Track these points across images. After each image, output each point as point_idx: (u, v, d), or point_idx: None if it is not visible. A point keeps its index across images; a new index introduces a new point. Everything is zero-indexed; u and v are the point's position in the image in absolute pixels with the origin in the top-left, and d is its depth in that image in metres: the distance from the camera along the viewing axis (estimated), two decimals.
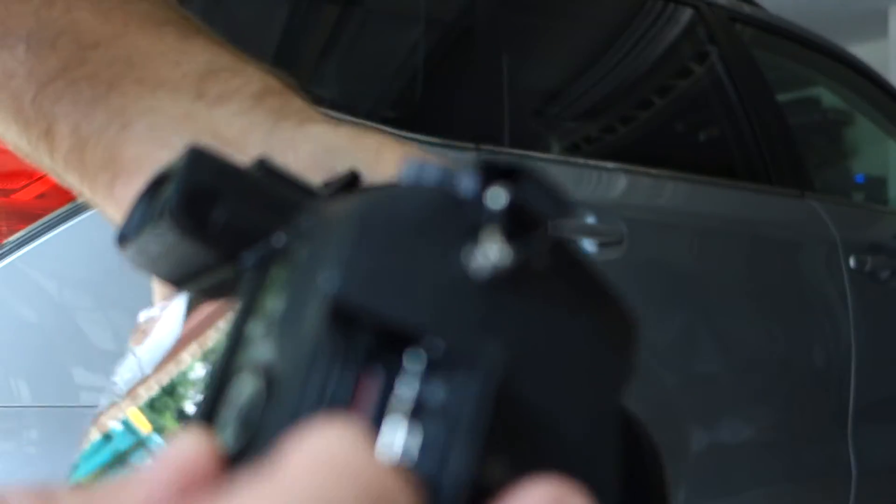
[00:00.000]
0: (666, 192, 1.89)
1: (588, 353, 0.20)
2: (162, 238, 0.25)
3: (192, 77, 0.35)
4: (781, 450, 1.97)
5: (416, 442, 0.16)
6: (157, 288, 0.34)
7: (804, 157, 2.33)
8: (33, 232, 1.21)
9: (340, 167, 0.31)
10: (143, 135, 0.33)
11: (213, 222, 0.24)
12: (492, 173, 0.18)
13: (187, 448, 0.17)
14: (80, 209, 1.21)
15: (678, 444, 1.77)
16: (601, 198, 1.73)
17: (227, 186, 0.24)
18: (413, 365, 0.17)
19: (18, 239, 1.20)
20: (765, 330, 1.96)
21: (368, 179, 0.30)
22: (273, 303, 0.20)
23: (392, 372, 0.17)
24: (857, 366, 2.10)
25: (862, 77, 2.69)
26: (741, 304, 1.93)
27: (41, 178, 1.22)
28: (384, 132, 0.34)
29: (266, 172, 0.26)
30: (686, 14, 2.15)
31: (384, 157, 0.32)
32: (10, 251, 1.20)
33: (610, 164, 1.82)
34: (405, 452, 0.16)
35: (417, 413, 0.16)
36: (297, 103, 0.35)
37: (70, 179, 0.36)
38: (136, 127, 0.33)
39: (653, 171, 1.86)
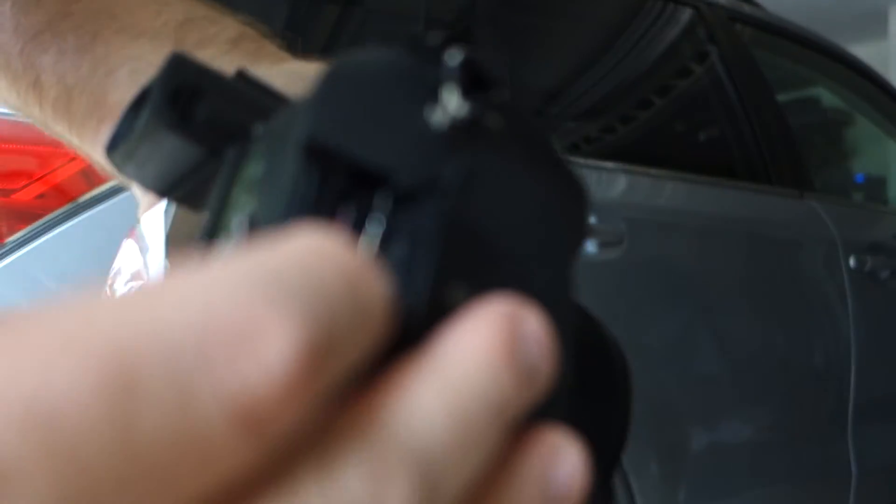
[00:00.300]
0: (665, 192, 1.89)
1: (542, 205, 0.22)
2: (147, 138, 0.26)
3: (171, 25, 0.36)
4: (781, 450, 1.97)
5: (384, 268, 0.17)
6: (142, 203, 0.35)
7: (804, 157, 2.33)
8: (33, 232, 1.21)
9: None
10: (127, 80, 0.35)
11: (196, 117, 0.25)
12: (447, 41, 0.20)
13: None
14: (80, 209, 1.22)
15: (678, 443, 1.77)
16: (601, 198, 1.73)
17: (207, 84, 0.26)
18: (381, 202, 0.18)
19: (18, 239, 1.20)
20: (764, 330, 1.96)
21: None
22: (253, 170, 0.21)
23: (362, 209, 0.18)
24: (856, 366, 2.10)
25: (862, 77, 2.70)
26: (741, 303, 1.93)
27: (41, 178, 1.22)
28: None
29: (245, 81, 0.28)
30: (686, 14, 2.15)
31: None
32: (11, 251, 1.20)
33: (609, 164, 1.82)
34: None
35: (385, 244, 0.18)
36: (272, 48, 0.37)
37: (58, 129, 0.38)
38: (119, 73, 0.35)
39: (652, 171, 1.86)
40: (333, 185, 0.18)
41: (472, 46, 0.20)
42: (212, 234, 0.21)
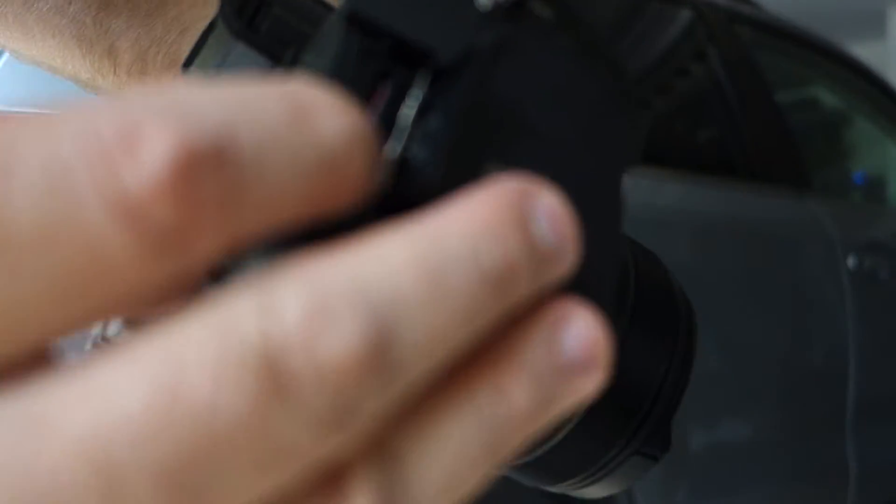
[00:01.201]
0: (664, 191, 1.89)
1: (590, 101, 0.21)
2: (217, 48, 0.27)
3: None
4: (780, 449, 1.97)
5: (417, 138, 0.17)
6: None
7: (802, 157, 2.33)
8: None
9: None
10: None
11: (261, 28, 0.26)
12: None
13: None
14: None
15: (678, 443, 1.77)
16: None
17: None
18: (421, 78, 0.18)
19: None
20: (763, 329, 1.96)
21: None
22: (303, 61, 0.22)
23: (402, 85, 0.18)
24: (855, 365, 2.10)
25: (860, 77, 2.70)
26: (739, 303, 1.93)
27: None
28: None
29: None
30: (685, 14, 2.15)
31: None
32: None
33: None
34: (406, 148, 0.17)
35: (421, 120, 0.18)
36: None
37: None
38: (193, 31, 0.36)
39: (651, 170, 1.86)
40: (375, 59, 0.18)
41: None
42: None
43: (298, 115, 0.14)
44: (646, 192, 1.84)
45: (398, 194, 0.16)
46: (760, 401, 1.95)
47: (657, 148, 2.09)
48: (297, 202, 0.14)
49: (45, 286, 0.12)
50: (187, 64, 0.30)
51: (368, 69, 0.18)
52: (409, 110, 0.18)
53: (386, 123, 0.17)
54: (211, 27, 0.29)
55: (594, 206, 0.20)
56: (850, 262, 2.12)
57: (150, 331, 0.13)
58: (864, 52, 3.36)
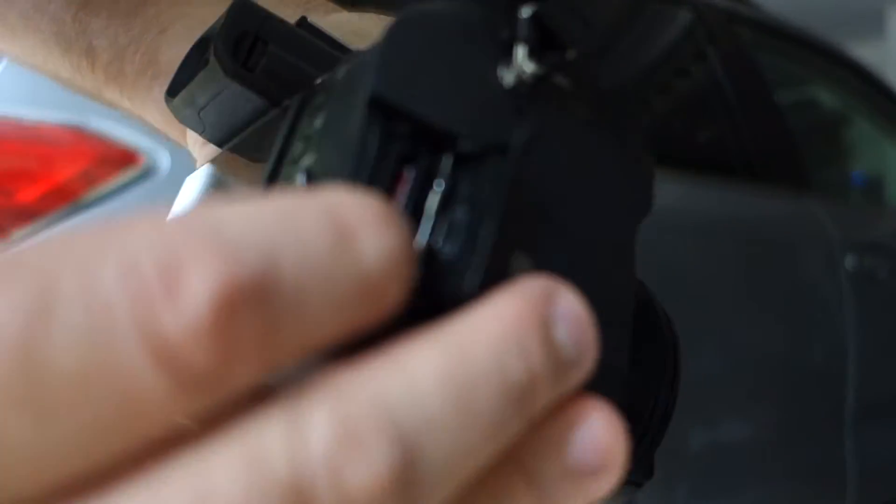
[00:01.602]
0: (664, 191, 1.89)
1: (606, 171, 0.21)
2: (208, 84, 0.26)
3: None
4: (779, 449, 1.97)
5: (443, 227, 0.17)
6: (198, 159, 0.35)
7: (802, 157, 2.33)
8: (35, 232, 1.21)
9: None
10: (180, 36, 0.35)
11: (257, 66, 0.25)
12: None
13: None
14: (82, 209, 1.22)
15: (677, 442, 1.77)
16: None
17: (269, 31, 0.25)
18: (446, 163, 0.18)
19: (21, 239, 1.20)
20: (761, 329, 1.96)
21: None
22: (313, 122, 0.21)
23: (426, 170, 0.18)
24: (854, 365, 2.10)
25: (860, 77, 2.70)
26: (738, 303, 1.93)
27: (42, 178, 1.22)
28: None
29: (308, 28, 0.27)
30: (684, 14, 2.15)
31: None
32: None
33: None
34: (433, 240, 0.17)
35: (447, 205, 0.17)
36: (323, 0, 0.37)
37: (110, 94, 0.38)
38: (171, 30, 0.35)
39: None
40: (397, 144, 0.18)
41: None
42: (271, 183, 0.20)
43: (340, 238, 0.13)
44: None
45: (430, 294, 0.16)
46: (760, 400, 1.95)
47: (657, 148, 2.08)
48: (334, 327, 0.14)
49: (77, 427, 0.12)
50: (172, 91, 0.28)
51: (391, 154, 0.17)
52: (434, 197, 0.17)
53: (411, 210, 0.17)
54: (199, 50, 0.28)
55: (610, 290, 0.20)
56: (849, 262, 2.12)
57: (180, 456, 0.13)
58: (863, 52, 3.36)
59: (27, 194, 1.23)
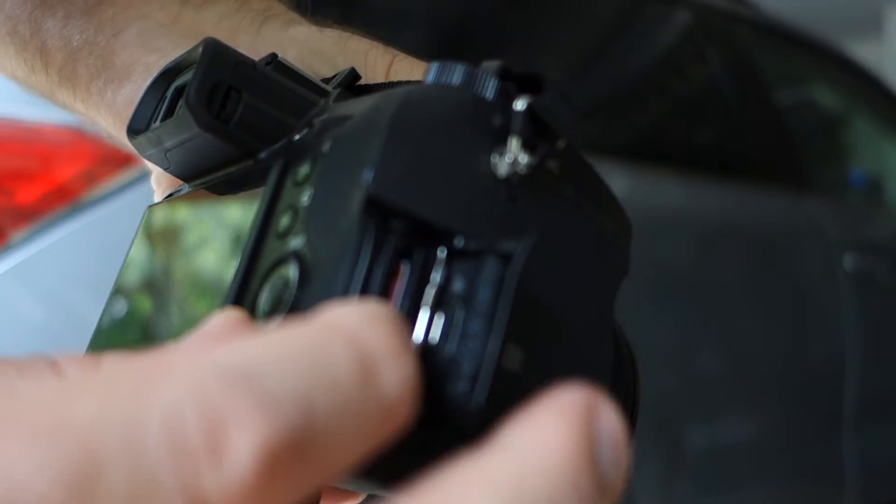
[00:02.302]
0: (663, 191, 1.89)
1: (594, 250, 0.22)
2: (178, 131, 0.25)
3: None
4: (779, 448, 1.97)
5: (440, 327, 0.17)
6: (157, 190, 0.35)
7: (801, 157, 2.33)
8: (36, 232, 1.21)
9: (326, 70, 0.32)
10: (134, 41, 0.34)
11: (230, 117, 0.24)
12: (512, 77, 0.20)
13: (219, 319, 0.17)
14: (84, 209, 1.22)
15: (677, 442, 1.77)
16: None
17: (244, 81, 0.25)
18: (441, 256, 0.18)
19: (21, 239, 1.20)
20: (761, 329, 1.97)
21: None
22: (299, 196, 0.21)
23: (423, 266, 0.18)
24: (853, 365, 2.10)
25: (859, 77, 2.70)
26: (738, 303, 1.93)
27: (42, 178, 1.22)
28: (371, 38, 0.35)
29: (277, 67, 0.27)
30: (684, 15, 2.16)
31: (372, 62, 0.33)
32: (12, 251, 1.20)
33: (608, 163, 1.82)
34: (430, 336, 0.17)
35: (445, 302, 0.18)
36: (281, 6, 0.36)
37: (63, 95, 0.37)
38: (126, 34, 0.34)
39: (651, 170, 1.86)
40: (393, 240, 0.18)
41: (537, 85, 0.20)
42: (255, 253, 0.21)
43: (366, 375, 0.14)
44: (646, 192, 1.85)
45: (434, 398, 0.16)
46: (759, 400, 1.96)
47: (657, 148, 2.09)
48: (359, 452, 0.14)
49: None
50: (135, 127, 0.27)
51: (388, 250, 0.18)
52: (431, 291, 0.18)
53: (407, 306, 0.17)
54: (159, 81, 0.27)
55: (594, 360, 0.20)
56: (849, 262, 2.12)
57: None
58: (862, 52, 3.37)
59: (27, 194, 1.23)
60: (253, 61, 0.25)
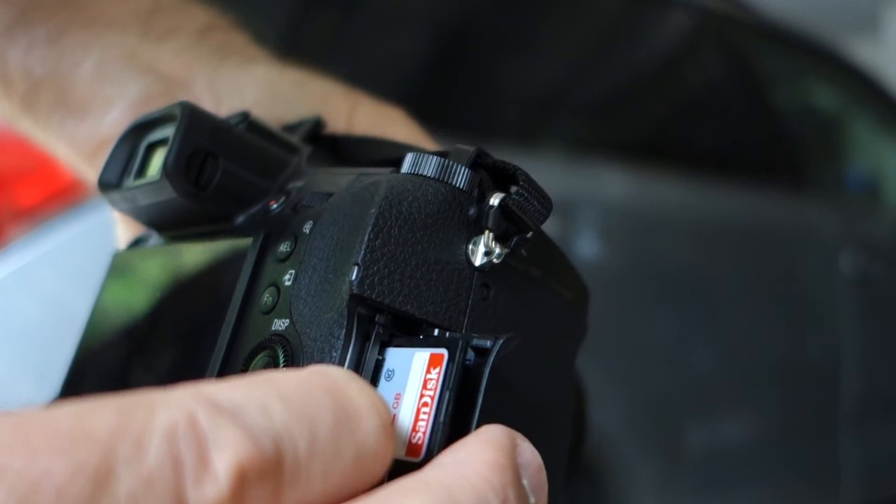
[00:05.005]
0: (662, 191, 1.90)
1: (559, 324, 0.24)
2: (156, 195, 0.26)
3: (139, 14, 0.36)
4: (777, 447, 1.98)
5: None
6: (122, 234, 0.35)
7: (798, 157, 2.34)
8: (38, 233, 1.21)
9: (287, 115, 0.33)
10: (92, 74, 0.34)
11: (209, 183, 0.25)
12: (484, 167, 0.21)
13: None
14: (83, 211, 1.22)
15: (676, 442, 1.77)
16: (600, 197, 1.73)
17: (221, 146, 0.25)
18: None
19: (22, 240, 1.20)
20: (760, 329, 1.97)
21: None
22: (282, 275, 0.22)
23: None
24: (850, 365, 2.11)
25: (857, 77, 2.70)
26: (736, 302, 1.94)
27: (42, 179, 1.23)
28: (329, 79, 0.35)
29: (250, 126, 0.27)
30: (682, 16, 2.16)
31: (331, 106, 0.33)
32: (13, 252, 1.20)
33: (608, 163, 1.83)
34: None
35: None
36: (241, 40, 0.37)
37: (25, 123, 0.37)
38: (84, 67, 0.35)
39: (650, 170, 1.87)
40: (378, 332, 0.20)
41: (510, 177, 0.21)
42: (239, 327, 0.22)
43: (343, 419, 0.17)
44: (644, 192, 1.85)
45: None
46: (758, 400, 1.96)
47: (656, 148, 2.09)
48: (331, 487, 0.16)
49: None
50: (106, 181, 0.28)
51: (375, 342, 0.20)
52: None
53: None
54: (131, 136, 0.27)
55: (553, 423, 0.22)
56: (846, 261, 2.13)
57: None
58: (859, 52, 3.37)
59: (28, 196, 1.23)
60: (229, 124, 0.26)
